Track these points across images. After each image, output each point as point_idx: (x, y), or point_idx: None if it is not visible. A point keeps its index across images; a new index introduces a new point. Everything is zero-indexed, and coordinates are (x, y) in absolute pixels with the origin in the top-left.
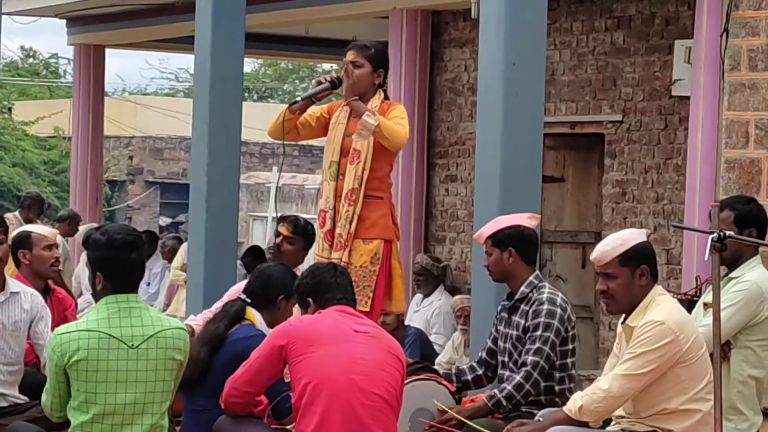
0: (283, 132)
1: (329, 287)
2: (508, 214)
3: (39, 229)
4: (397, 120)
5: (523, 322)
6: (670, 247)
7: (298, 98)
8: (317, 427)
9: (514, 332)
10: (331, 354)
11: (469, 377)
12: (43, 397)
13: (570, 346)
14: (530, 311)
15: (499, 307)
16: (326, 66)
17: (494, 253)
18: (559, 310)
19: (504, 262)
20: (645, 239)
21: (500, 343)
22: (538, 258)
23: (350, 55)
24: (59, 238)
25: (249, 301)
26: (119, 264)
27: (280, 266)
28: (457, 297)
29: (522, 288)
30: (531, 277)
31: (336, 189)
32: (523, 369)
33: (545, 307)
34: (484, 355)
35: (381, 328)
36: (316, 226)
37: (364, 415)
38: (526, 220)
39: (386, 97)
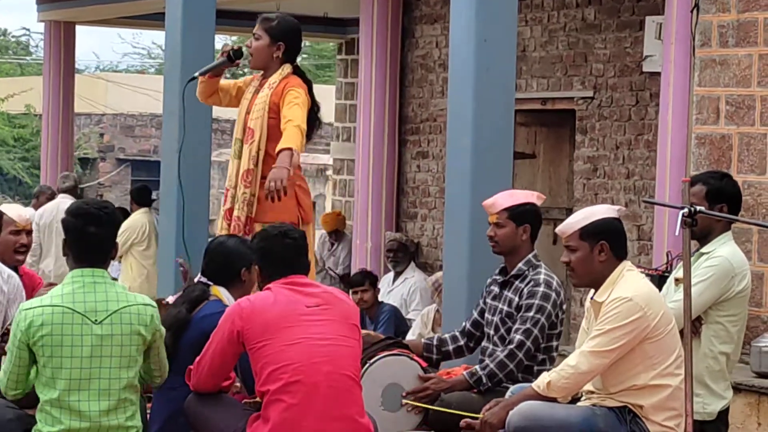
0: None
1: (276, 258)
2: (519, 190)
3: (13, 211)
4: (291, 107)
5: (516, 299)
6: (641, 223)
7: (196, 74)
8: (286, 415)
9: (505, 307)
10: (289, 339)
11: (450, 347)
12: (0, 374)
13: (557, 330)
14: (525, 289)
15: (489, 280)
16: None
17: (509, 226)
18: (553, 295)
19: (517, 237)
20: (612, 215)
21: (488, 316)
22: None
23: (255, 28)
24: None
25: (210, 283)
26: (78, 233)
27: (232, 238)
28: (439, 273)
29: (520, 265)
30: (530, 256)
31: (238, 168)
32: (508, 347)
33: (541, 289)
34: (468, 325)
35: (332, 292)
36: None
37: (331, 397)
38: (536, 198)
39: (301, 75)
